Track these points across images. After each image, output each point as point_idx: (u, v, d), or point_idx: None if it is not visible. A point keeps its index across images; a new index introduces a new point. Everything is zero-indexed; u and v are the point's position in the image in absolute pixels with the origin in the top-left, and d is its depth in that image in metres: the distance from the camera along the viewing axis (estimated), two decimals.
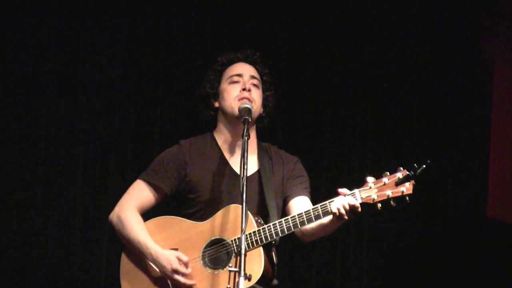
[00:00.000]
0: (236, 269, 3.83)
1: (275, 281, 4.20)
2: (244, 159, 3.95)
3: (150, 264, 4.23)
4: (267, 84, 4.45)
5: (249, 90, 4.32)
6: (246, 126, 4.10)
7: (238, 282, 3.75)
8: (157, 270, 4.20)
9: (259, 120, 4.41)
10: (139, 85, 5.97)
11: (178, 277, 4.12)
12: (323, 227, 4.15)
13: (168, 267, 4.14)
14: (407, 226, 5.84)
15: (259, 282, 4.02)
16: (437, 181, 5.91)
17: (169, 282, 4.18)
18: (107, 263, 5.74)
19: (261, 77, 4.43)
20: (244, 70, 4.38)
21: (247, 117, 4.15)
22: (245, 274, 3.78)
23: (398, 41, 6.22)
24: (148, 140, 5.96)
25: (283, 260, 4.48)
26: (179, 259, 4.14)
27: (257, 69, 4.42)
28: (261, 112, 4.39)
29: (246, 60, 4.43)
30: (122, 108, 5.93)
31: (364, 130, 6.23)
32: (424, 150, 6.10)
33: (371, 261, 5.96)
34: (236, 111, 4.25)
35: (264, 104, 4.41)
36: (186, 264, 4.14)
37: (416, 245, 5.36)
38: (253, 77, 4.38)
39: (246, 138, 4.04)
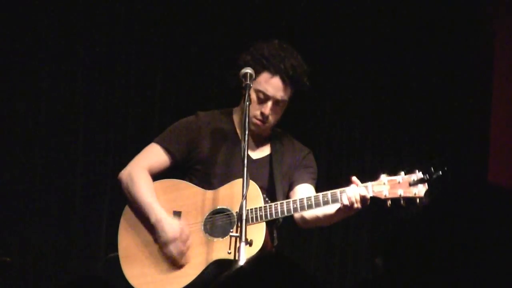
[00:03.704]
0: (237, 234, 3.84)
1: None
2: (245, 125, 3.94)
3: (149, 226, 4.21)
4: (302, 92, 4.29)
5: (267, 117, 4.22)
6: (247, 91, 4.05)
7: (239, 247, 3.74)
8: (155, 234, 4.17)
9: None
10: (139, 67, 5.91)
11: (172, 247, 4.11)
12: (326, 216, 4.14)
13: (170, 235, 4.11)
14: None
15: None
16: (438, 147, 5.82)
17: (159, 247, 4.17)
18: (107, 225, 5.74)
19: (295, 91, 4.26)
20: (275, 92, 4.18)
21: (248, 83, 4.07)
22: (246, 239, 3.77)
23: (399, 25, 6.08)
24: (149, 113, 5.94)
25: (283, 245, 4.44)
26: (182, 232, 4.13)
27: (292, 87, 4.23)
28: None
29: (285, 78, 4.18)
30: (123, 85, 5.88)
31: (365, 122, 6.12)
32: (425, 118, 5.97)
33: (371, 233, 5.92)
34: (251, 127, 4.15)
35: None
36: (185, 241, 4.13)
37: (416, 215, 5.25)
38: (280, 101, 4.21)
39: (247, 103, 4.02)
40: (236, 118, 4.38)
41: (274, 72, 4.17)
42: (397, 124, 6.04)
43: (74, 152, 5.78)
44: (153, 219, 4.15)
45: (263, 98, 4.19)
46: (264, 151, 4.37)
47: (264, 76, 4.18)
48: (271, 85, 4.18)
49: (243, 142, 3.91)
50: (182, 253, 4.11)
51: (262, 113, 4.20)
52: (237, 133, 4.35)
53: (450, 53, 6.01)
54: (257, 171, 4.22)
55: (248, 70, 4.09)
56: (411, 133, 5.90)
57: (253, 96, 4.19)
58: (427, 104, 6.02)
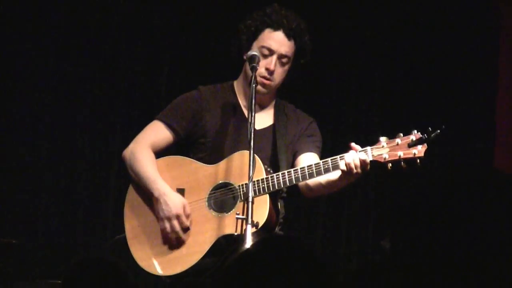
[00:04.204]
0: (243, 217, 3.88)
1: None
2: (252, 105, 3.97)
3: (153, 201, 4.24)
4: (304, 51, 4.33)
5: (272, 72, 4.25)
6: (254, 73, 4.10)
7: (245, 229, 3.78)
8: (157, 208, 4.19)
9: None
10: (145, 45, 5.90)
11: (175, 222, 4.13)
12: (329, 183, 4.14)
13: (173, 210, 4.13)
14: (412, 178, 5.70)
15: (262, 229, 4.04)
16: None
17: (159, 223, 4.19)
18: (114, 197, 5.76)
19: (298, 48, 4.29)
20: (278, 47, 4.24)
21: (255, 65, 4.12)
22: (252, 221, 3.81)
23: None
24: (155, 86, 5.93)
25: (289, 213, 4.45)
26: (185, 208, 4.16)
27: (296, 43, 4.28)
28: (283, 81, 4.33)
29: (287, 31, 4.25)
30: (127, 61, 5.86)
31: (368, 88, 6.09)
32: (429, 98, 5.91)
33: (377, 215, 5.93)
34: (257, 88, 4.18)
35: (290, 73, 4.34)
36: (188, 217, 4.15)
37: (421, 199, 5.24)
38: (284, 55, 4.25)
39: (254, 85, 4.05)
40: (238, 90, 4.39)
41: (276, 27, 4.26)
42: (398, 116, 6.00)
43: (80, 132, 5.79)
44: (156, 193, 4.18)
45: (268, 54, 4.24)
46: (267, 121, 4.38)
47: (267, 32, 4.26)
48: (274, 39, 4.25)
49: (249, 125, 3.93)
50: (185, 229, 4.14)
51: (267, 69, 4.23)
52: (240, 105, 4.37)
53: (454, 38, 5.94)
54: (260, 141, 4.23)
55: (254, 53, 4.14)
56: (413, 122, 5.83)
57: (258, 54, 4.22)
58: (431, 92, 5.97)
